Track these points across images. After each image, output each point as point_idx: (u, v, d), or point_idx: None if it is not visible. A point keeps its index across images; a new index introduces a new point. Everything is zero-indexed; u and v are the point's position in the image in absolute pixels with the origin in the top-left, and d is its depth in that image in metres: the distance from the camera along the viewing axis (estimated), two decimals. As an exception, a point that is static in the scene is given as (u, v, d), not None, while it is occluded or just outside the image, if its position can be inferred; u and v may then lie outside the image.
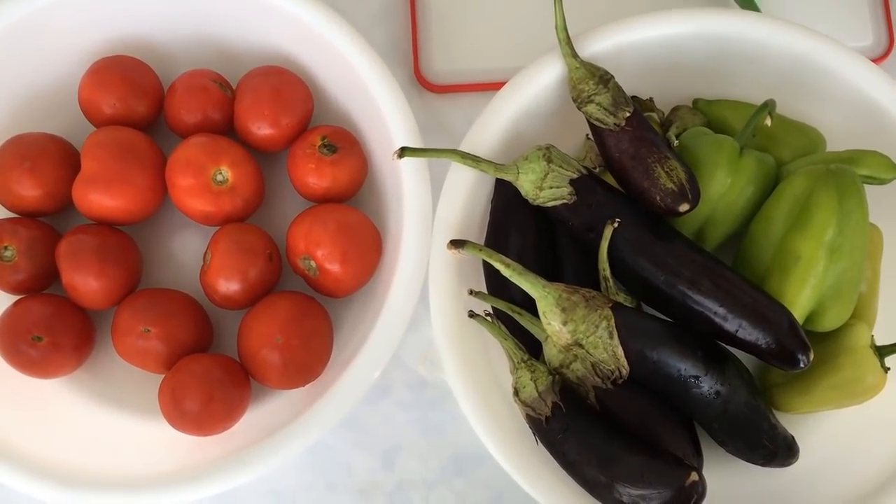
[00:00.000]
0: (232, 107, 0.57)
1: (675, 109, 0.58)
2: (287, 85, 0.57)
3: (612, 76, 0.51)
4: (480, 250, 0.48)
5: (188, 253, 0.59)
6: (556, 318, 0.47)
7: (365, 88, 0.54)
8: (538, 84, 0.53)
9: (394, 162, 0.53)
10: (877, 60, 0.64)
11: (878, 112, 0.53)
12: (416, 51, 0.63)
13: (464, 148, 0.52)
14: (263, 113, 0.56)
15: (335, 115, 0.59)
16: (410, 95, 0.63)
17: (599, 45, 0.53)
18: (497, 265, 0.48)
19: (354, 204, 0.58)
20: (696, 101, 0.58)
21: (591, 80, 0.51)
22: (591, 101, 0.51)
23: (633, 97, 0.57)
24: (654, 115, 0.57)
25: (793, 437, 0.52)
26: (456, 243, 0.48)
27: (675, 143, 0.53)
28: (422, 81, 0.63)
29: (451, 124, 0.63)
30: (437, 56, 0.63)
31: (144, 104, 0.57)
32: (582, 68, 0.51)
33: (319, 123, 0.58)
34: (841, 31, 0.64)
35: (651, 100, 0.58)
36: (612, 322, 0.47)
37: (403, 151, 0.50)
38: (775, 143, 0.55)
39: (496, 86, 0.62)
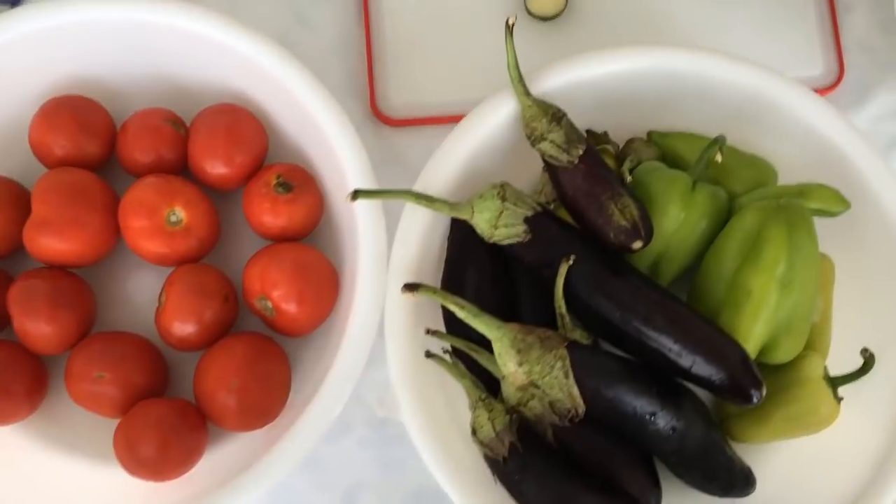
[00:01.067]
0: (186, 145, 0.57)
1: (630, 142, 0.58)
2: (241, 123, 0.57)
3: (565, 114, 0.52)
4: (435, 293, 0.48)
5: (144, 293, 0.58)
6: (512, 360, 0.47)
7: (318, 127, 0.54)
8: (492, 122, 0.53)
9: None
10: (828, 89, 0.64)
11: (827, 145, 0.54)
12: (371, 84, 0.63)
13: (418, 187, 0.52)
14: (217, 152, 0.55)
15: (290, 153, 0.59)
16: (367, 129, 0.63)
17: (553, 82, 0.53)
18: (452, 307, 0.48)
19: (311, 240, 0.58)
20: (650, 134, 0.59)
21: (543, 118, 0.51)
22: (545, 139, 0.51)
23: (588, 130, 0.58)
24: (609, 147, 0.58)
25: (749, 468, 0.52)
26: (410, 287, 0.48)
27: (629, 178, 0.54)
28: (378, 115, 0.63)
29: (408, 158, 0.63)
30: (393, 89, 0.63)
31: (96, 144, 0.57)
32: (535, 106, 0.51)
33: (275, 161, 0.58)
34: (792, 59, 0.65)
35: (605, 133, 0.58)
36: (567, 362, 0.47)
37: (356, 194, 0.49)
38: (728, 176, 0.56)
39: (454, 119, 0.62)
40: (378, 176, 0.55)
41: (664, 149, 0.58)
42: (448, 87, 0.63)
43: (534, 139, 0.51)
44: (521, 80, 0.51)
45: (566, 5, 0.64)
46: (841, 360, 0.54)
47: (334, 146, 0.53)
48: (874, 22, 0.66)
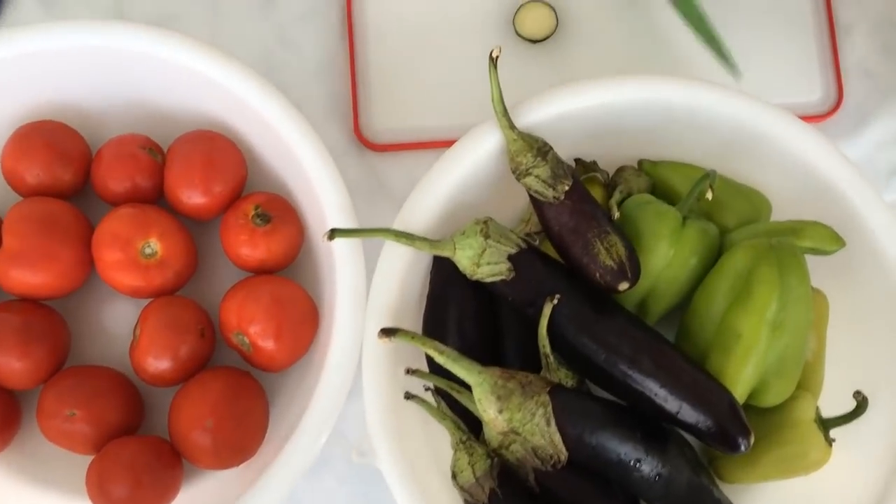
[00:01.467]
0: (162, 173, 0.55)
1: (620, 170, 0.57)
2: (219, 151, 0.55)
3: (551, 148, 0.50)
4: (413, 338, 0.46)
5: (119, 325, 0.57)
6: (492, 406, 0.46)
7: (297, 160, 0.52)
8: (476, 154, 0.51)
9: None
10: (826, 115, 0.63)
11: (821, 178, 0.52)
12: (355, 108, 0.61)
13: (400, 220, 0.51)
14: (194, 181, 0.54)
15: (270, 182, 0.57)
16: (350, 154, 0.62)
17: (539, 114, 0.52)
18: (430, 352, 0.46)
19: (290, 271, 0.56)
20: (641, 162, 0.57)
21: (528, 152, 0.49)
22: (530, 174, 0.49)
23: (577, 159, 0.56)
24: (598, 175, 0.56)
25: (738, 512, 0.51)
26: (387, 332, 0.46)
27: (616, 214, 0.52)
28: (362, 139, 0.61)
29: (392, 183, 0.62)
30: (377, 114, 0.61)
31: (71, 172, 0.55)
32: (520, 140, 0.50)
33: (254, 189, 0.57)
34: (790, 84, 0.63)
35: (594, 162, 0.56)
36: (549, 408, 0.46)
37: (333, 233, 0.48)
38: (720, 209, 0.54)
39: (439, 144, 0.60)
40: (361, 202, 0.53)
41: (655, 178, 0.56)
42: (434, 111, 0.62)
43: (519, 174, 0.50)
44: (505, 113, 0.50)
45: (556, 28, 0.62)
46: (834, 398, 0.53)
47: (313, 181, 0.52)
48: (875, 45, 0.64)
